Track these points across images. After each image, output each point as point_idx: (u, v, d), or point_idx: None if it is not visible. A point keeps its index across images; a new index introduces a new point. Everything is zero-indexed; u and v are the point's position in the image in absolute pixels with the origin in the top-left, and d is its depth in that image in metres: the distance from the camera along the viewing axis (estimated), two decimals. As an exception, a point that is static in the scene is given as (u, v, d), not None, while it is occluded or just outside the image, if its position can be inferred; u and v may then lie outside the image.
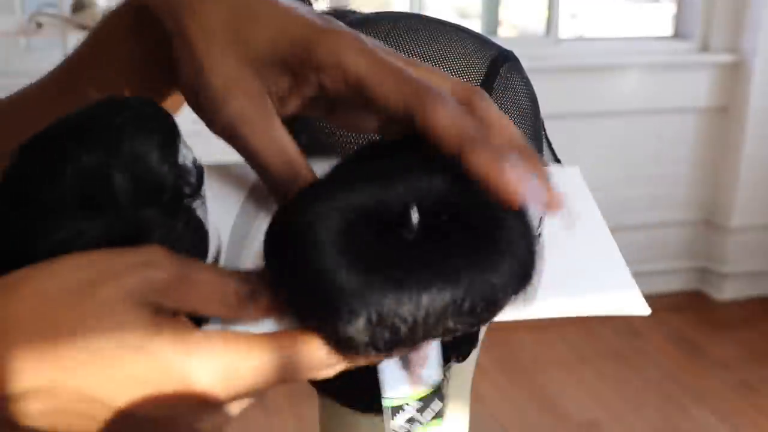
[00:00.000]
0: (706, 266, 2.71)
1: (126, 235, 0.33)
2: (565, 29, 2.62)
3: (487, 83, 0.55)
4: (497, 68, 0.56)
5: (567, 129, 2.41)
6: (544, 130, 0.60)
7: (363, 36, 0.36)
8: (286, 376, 0.33)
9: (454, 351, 0.59)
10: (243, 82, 0.36)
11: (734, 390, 2.18)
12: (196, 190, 0.36)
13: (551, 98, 2.00)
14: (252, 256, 0.38)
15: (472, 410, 0.69)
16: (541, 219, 0.39)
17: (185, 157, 0.36)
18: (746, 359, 2.33)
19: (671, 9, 2.68)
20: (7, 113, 0.47)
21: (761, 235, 2.65)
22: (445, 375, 0.62)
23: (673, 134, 2.59)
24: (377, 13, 0.58)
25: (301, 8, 0.36)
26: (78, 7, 1.88)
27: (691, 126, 2.60)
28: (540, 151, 0.59)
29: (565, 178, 0.45)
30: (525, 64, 0.60)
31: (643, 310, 0.38)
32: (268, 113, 0.36)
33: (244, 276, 0.34)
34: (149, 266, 0.32)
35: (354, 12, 0.58)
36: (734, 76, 2.54)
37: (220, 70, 0.35)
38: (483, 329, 0.62)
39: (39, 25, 1.89)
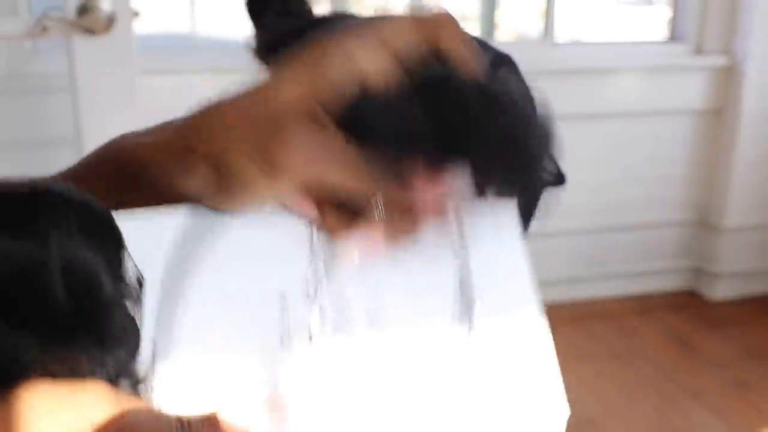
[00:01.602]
0: (700, 266, 2.73)
1: (61, 356, 0.29)
2: (562, 33, 2.65)
3: (486, 85, 0.58)
4: (495, 71, 0.59)
5: (564, 131, 2.42)
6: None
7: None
8: None
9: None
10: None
11: (728, 387, 2.20)
12: (136, 303, 0.32)
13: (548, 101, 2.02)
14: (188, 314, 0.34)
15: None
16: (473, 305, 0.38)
17: (129, 269, 0.31)
18: (739, 357, 2.36)
19: (667, 13, 2.71)
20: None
21: (754, 235, 2.67)
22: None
23: (669, 136, 2.61)
24: (377, 17, 0.60)
25: None
26: (83, 10, 1.90)
27: (686, 128, 2.62)
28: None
29: (498, 220, 0.43)
30: (522, 67, 0.63)
31: (564, 411, 0.34)
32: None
33: (186, 422, 0.31)
34: (87, 413, 0.29)
35: (353, 15, 0.61)
36: (728, 79, 2.56)
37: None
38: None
39: (44, 29, 1.91)
